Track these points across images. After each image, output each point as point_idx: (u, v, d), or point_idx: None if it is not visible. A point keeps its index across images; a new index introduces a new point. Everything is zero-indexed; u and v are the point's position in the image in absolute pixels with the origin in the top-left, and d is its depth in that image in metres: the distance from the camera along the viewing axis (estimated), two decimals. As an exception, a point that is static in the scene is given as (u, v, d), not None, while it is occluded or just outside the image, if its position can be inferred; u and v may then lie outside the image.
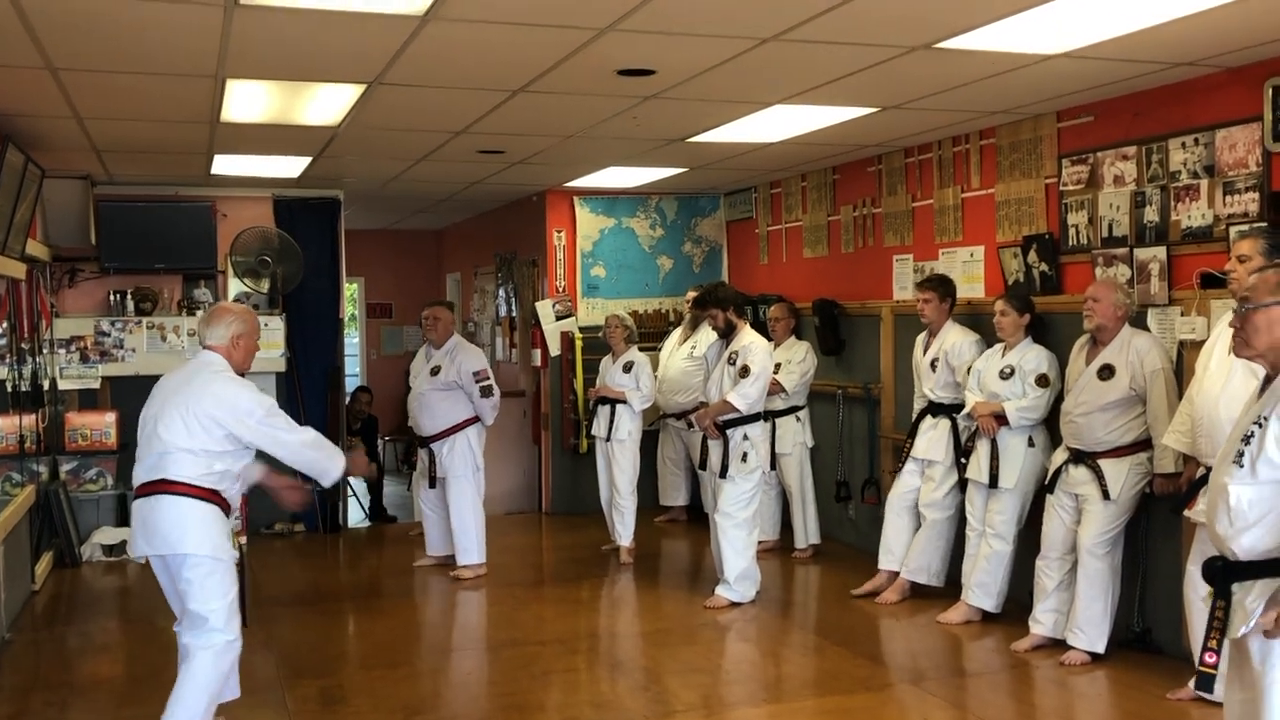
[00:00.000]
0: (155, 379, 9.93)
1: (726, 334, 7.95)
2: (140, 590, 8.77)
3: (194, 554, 5.08)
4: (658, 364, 10.24)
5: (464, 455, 8.78)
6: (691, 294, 9.63)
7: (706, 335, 8.64)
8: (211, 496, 5.16)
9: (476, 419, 8.86)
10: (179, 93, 6.51)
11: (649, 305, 11.58)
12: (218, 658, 5.18)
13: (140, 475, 5.21)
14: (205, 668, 5.15)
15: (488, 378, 8.77)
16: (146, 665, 6.86)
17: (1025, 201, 7.62)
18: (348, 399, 12.49)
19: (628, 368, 9.47)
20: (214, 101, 6.75)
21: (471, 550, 8.83)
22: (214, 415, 5.11)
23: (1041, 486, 6.98)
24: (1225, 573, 3.73)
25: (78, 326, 10.05)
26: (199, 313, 10.27)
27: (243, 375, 5.40)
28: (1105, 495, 6.42)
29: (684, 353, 9.98)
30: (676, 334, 10.40)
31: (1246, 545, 3.66)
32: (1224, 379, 5.46)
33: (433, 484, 8.96)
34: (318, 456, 5.43)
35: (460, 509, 8.80)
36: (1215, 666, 3.84)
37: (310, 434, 5.44)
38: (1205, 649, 3.83)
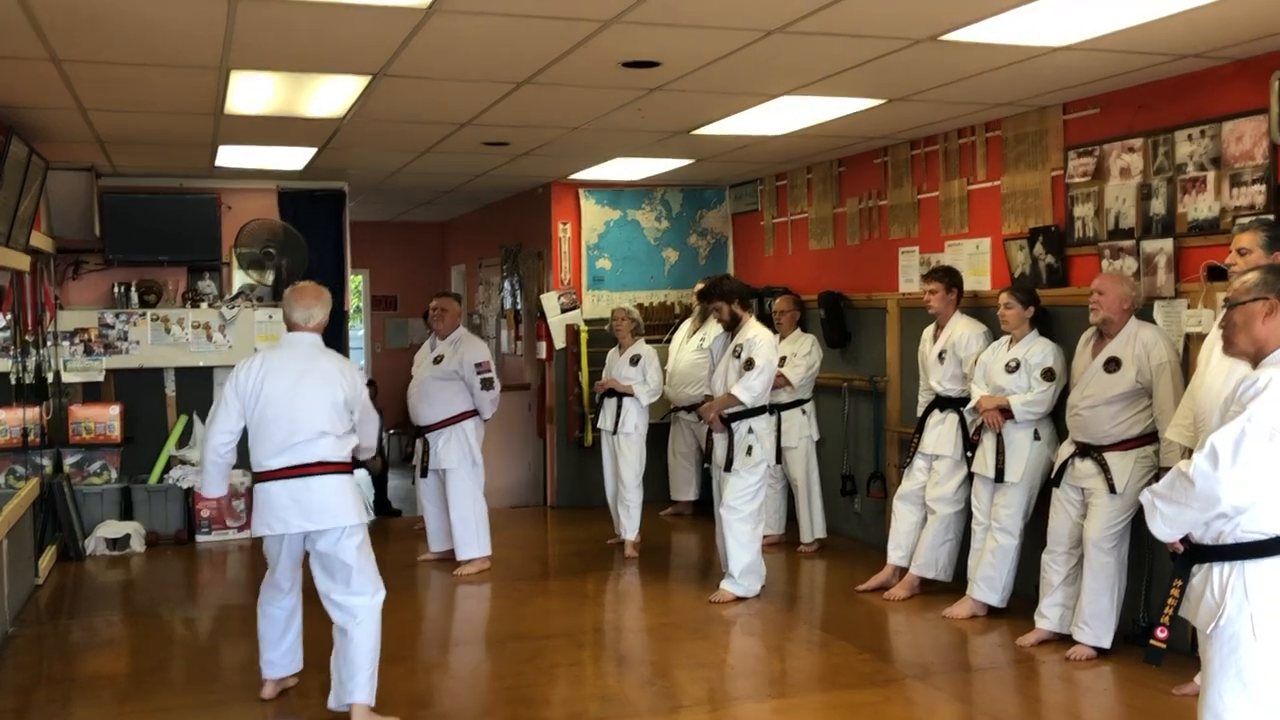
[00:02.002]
0: (159, 371, 10.15)
1: (731, 326, 7.93)
2: (144, 584, 8.79)
3: (356, 523, 5.65)
4: (666, 356, 10.22)
5: (461, 448, 8.76)
6: (699, 286, 9.61)
7: (716, 327, 8.61)
8: (352, 470, 5.81)
9: (475, 412, 8.83)
10: (183, 84, 6.50)
11: (654, 298, 11.56)
12: (378, 612, 5.70)
13: (287, 458, 5.60)
14: (374, 625, 5.67)
15: (489, 370, 8.75)
16: (150, 660, 6.87)
17: (1031, 194, 7.60)
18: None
19: (634, 360, 9.45)
20: (218, 93, 6.73)
21: (471, 544, 8.80)
22: (350, 396, 5.73)
23: (1047, 480, 6.96)
24: (1187, 555, 3.89)
25: (82, 319, 10.03)
26: (203, 305, 10.28)
27: None
28: (1111, 489, 6.40)
29: (693, 345, 9.96)
30: (686, 326, 10.39)
31: (1215, 528, 3.78)
32: (1226, 372, 5.41)
33: (424, 473, 8.95)
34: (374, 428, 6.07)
35: (459, 503, 8.78)
36: (1165, 641, 4.05)
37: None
38: (1158, 625, 4.02)
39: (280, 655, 5.99)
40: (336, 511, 5.59)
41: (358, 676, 5.56)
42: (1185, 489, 3.71)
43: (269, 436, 5.61)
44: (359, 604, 5.60)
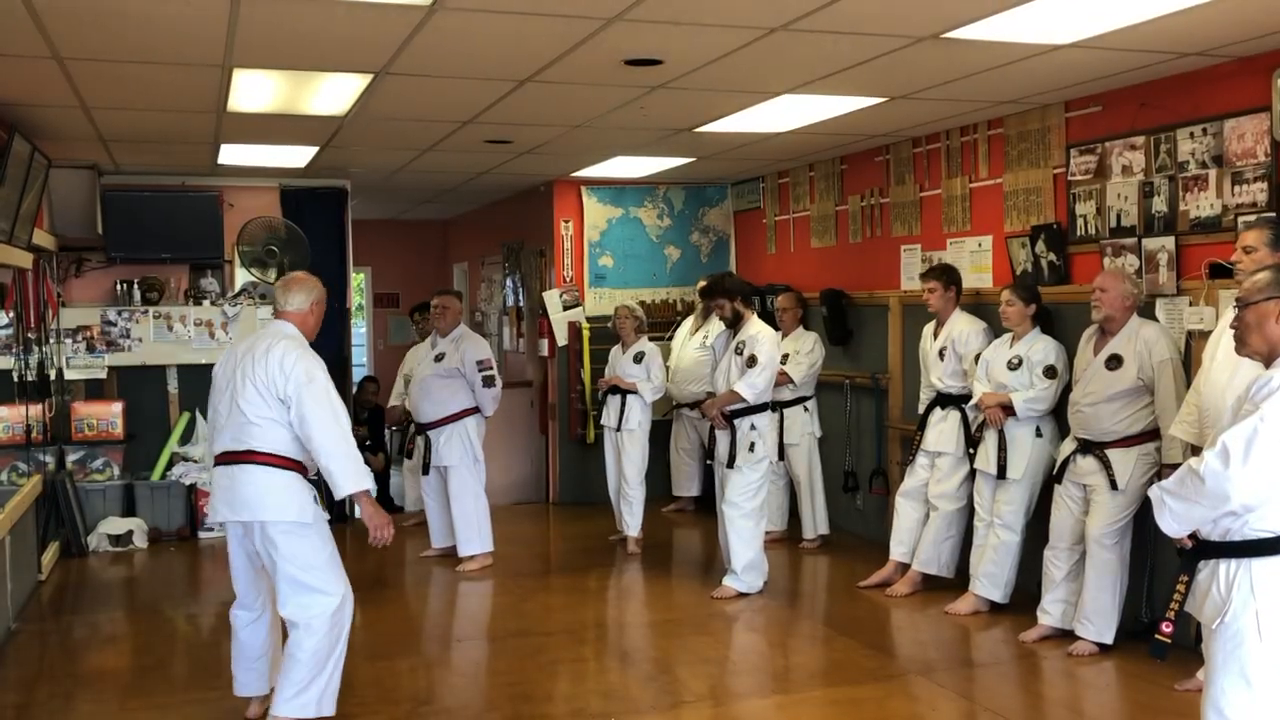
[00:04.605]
0: (162, 369, 10.15)
1: (734, 324, 7.95)
2: (147, 580, 8.80)
3: (279, 520, 5.22)
4: (669, 354, 10.23)
5: (462, 445, 8.77)
6: (702, 284, 9.61)
7: (718, 325, 8.61)
8: (293, 465, 5.27)
9: (476, 410, 8.84)
10: (185, 82, 6.50)
11: (656, 295, 11.57)
12: (330, 620, 5.27)
13: (224, 443, 5.32)
14: (310, 634, 5.24)
15: (491, 368, 8.77)
16: (153, 656, 6.88)
17: (1033, 191, 7.60)
18: (354, 389, 12.49)
19: (638, 358, 9.45)
20: (220, 91, 6.74)
21: (473, 540, 8.82)
22: (275, 380, 5.19)
23: (1049, 477, 6.97)
24: (1194, 551, 3.92)
25: (84, 316, 10.05)
26: (205, 302, 10.29)
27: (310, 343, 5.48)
28: (1113, 485, 6.41)
29: (696, 342, 9.98)
30: (688, 324, 10.40)
31: (1223, 525, 3.80)
32: (1231, 369, 5.43)
33: (426, 470, 8.97)
34: (343, 454, 5.17)
35: (460, 499, 8.80)
36: (1170, 636, 4.06)
37: (346, 429, 5.24)
38: (1164, 619, 4.05)
39: (245, 673, 5.65)
40: (257, 506, 5.21)
41: (284, 688, 5.22)
42: (1195, 486, 3.72)
43: (213, 418, 5.47)
44: (294, 613, 5.25)
